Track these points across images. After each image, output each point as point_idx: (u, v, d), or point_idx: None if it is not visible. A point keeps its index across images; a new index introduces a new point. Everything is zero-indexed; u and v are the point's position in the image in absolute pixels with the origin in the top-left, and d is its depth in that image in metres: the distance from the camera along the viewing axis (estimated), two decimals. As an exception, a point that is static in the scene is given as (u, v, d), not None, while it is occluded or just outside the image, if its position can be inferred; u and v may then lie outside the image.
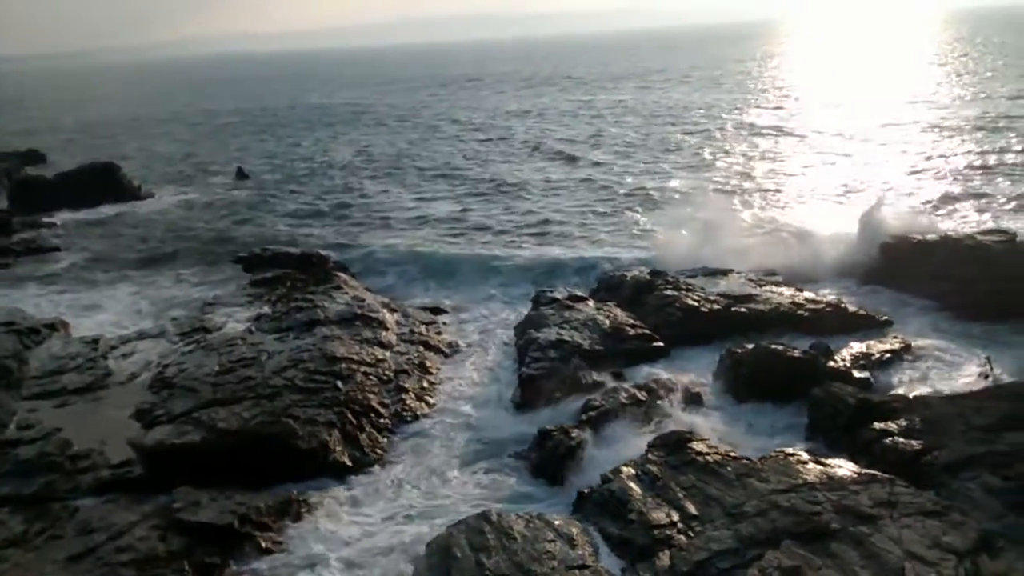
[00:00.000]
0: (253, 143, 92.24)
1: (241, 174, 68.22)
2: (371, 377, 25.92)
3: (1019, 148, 59.28)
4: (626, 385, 24.24)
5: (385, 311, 31.21)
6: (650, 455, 19.21)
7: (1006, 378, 23.17)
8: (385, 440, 23.37)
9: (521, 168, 65.13)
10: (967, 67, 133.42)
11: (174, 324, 32.01)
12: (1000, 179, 50.51)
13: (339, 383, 24.75)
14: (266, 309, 32.58)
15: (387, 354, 27.84)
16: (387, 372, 26.66)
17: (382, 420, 24.17)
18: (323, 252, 40.90)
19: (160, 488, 20.02)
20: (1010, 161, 55.26)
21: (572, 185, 57.47)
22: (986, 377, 23.27)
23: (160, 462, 21.29)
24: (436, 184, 61.34)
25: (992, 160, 56.10)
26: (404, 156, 74.93)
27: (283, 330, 29.16)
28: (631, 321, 28.61)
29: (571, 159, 67.46)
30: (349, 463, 21.99)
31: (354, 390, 24.69)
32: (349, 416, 23.52)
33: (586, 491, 18.81)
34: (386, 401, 25.10)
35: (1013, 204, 44.70)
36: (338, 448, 22.28)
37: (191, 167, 76.67)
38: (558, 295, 31.33)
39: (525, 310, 31.48)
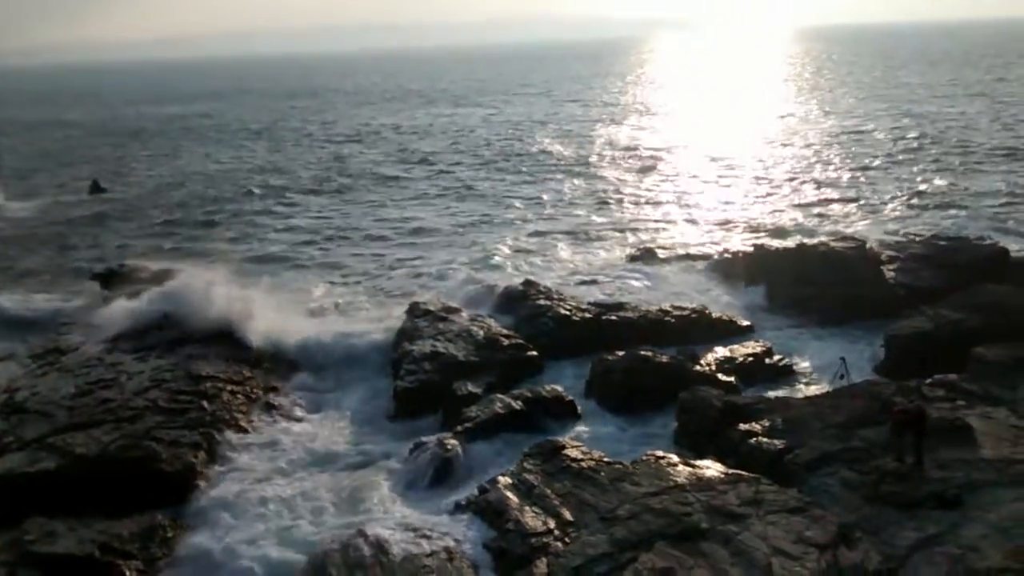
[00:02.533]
0: (109, 155, 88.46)
1: (97, 187, 65.15)
2: (239, 396, 25.16)
3: (864, 161, 63.01)
4: (501, 395, 24.32)
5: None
6: (526, 464, 19.34)
7: (859, 377, 24.44)
8: (255, 459, 22.65)
9: (368, 189, 64.23)
10: (816, 84, 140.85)
11: (25, 345, 30.26)
12: (848, 189, 53.49)
13: (205, 403, 23.92)
14: (125, 327, 31.11)
15: (256, 371, 27.08)
16: (256, 390, 25.93)
17: (251, 439, 23.45)
18: (185, 268, 39.31)
19: (10, 520, 18.76)
20: (857, 172, 58.64)
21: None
22: (841, 377, 24.47)
23: (10, 492, 19.99)
24: (296, 197, 60.61)
25: (840, 171, 59.34)
26: (264, 170, 73.39)
27: (144, 349, 28.00)
28: (505, 331, 28.75)
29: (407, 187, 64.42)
30: (217, 484, 21.21)
31: (221, 409, 23.90)
32: (216, 436, 22.75)
33: (463, 502, 18.76)
34: (255, 419, 24.39)
35: (861, 212, 47.40)
36: (205, 470, 21.49)
37: (44, 179, 72.92)
38: (432, 307, 31.19)
39: (399, 323, 31.14)
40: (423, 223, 50.52)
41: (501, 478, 18.89)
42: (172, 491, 20.57)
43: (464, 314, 30.73)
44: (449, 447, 21.52)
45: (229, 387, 25.27)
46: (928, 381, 22.01)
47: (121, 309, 31.44)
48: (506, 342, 27.95)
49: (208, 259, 42.39)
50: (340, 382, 27.86)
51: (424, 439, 22.16)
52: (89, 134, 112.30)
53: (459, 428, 22.67)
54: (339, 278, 39.64)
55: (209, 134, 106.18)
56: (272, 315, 30.86)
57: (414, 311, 31.08)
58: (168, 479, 20.83)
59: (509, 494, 18.14)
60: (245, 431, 23.75)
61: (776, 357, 27.23)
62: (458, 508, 18.64)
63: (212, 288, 31.24)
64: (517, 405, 23.58)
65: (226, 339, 28.86)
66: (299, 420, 25.05)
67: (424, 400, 25.03)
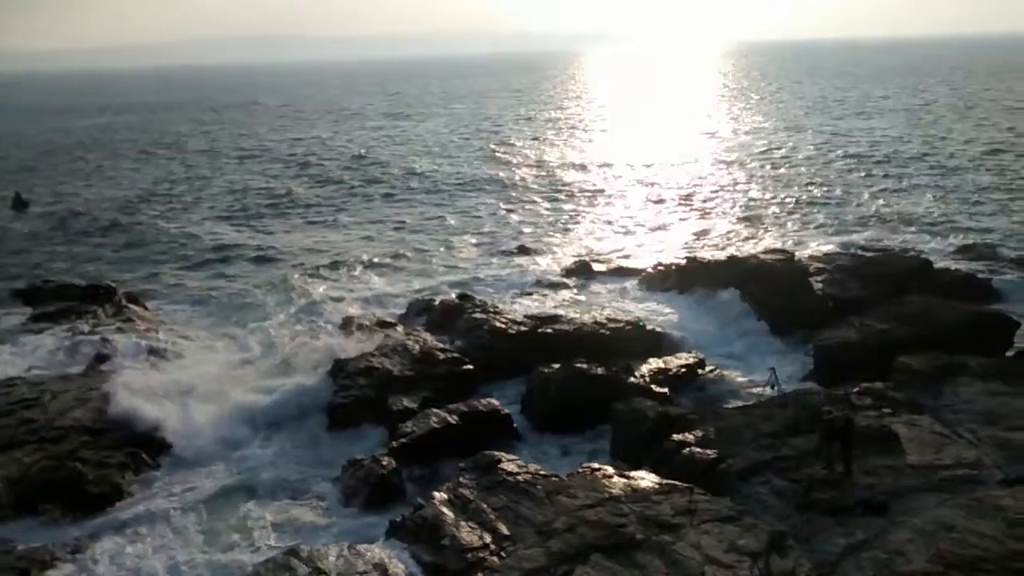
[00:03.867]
0: (32, 169, 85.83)
1: (19, 202, 63.12)
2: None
3: (790, 175, 64.49)
4: (437, 410, 24.15)
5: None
6: (462, 478, 19.21)
7: (789, 387, 24.89)
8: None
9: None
10: (747, 100, 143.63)
11: (-59, 365, 29.12)
12: (776, 204, 54.63)
13: (132, 421, 23.30)
14: (49, 345, 30.27)
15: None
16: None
17: (181, 457, 22.95)
18: (112, 283, 38.38)
19: (-75, 547, 18.11)
20: (784, 187, 59.92)
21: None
22: (772, 387, 24.88)
23: (-75, 518, 19.30)
24: (217, 212, 59.96)
25: (768, 186, 60.63)
26: (187, 182, 72.36)
27: (69, 368, 27.21)
28: (440, 346, 28.61)
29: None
30: (146, 505, 20.67)
31: (149, 428, 23.30)
32: (144, 456, 22.20)
33: (399, 518, 18.55)
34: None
35: (790, 225, 48.44)
36: (133, 489, 20.99)
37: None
38: (366, 321, 30.92)
39: (332, 338, 30.75)
40: (353, 236, 50.50)
41: (437, 493, 18.74)
42: (99, 512, 20.06)
43: (399, 328, 30.55)
44: (384, 463, 21.31)
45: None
46: (856, 390, 22.47)
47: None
48: (442, 356, 27.80)
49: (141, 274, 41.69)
50: (272, 399, 27.35)
51: (359, 456, 21.92)
52: (11, 147, 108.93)
53: (394, 444, 22.49)
54: (263, 297, 38.74)
55: (127, 147, 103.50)
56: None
57: (348, 326, 30.79)
58: (95, 500, 20.35)
59: (445, 509, 18.00)
60: (175, 449, 23.18)
61: (708, 368, 27.62)
62: (393, 525, 18.44)
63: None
64: (453, 420, 23.45)
65: (155, 355, 28.23)
66: (231, 439, 24.54)
67: (359, 416, 24.77)
